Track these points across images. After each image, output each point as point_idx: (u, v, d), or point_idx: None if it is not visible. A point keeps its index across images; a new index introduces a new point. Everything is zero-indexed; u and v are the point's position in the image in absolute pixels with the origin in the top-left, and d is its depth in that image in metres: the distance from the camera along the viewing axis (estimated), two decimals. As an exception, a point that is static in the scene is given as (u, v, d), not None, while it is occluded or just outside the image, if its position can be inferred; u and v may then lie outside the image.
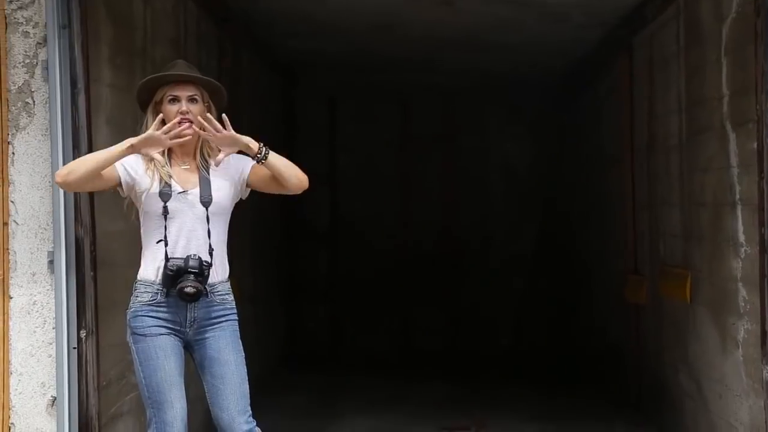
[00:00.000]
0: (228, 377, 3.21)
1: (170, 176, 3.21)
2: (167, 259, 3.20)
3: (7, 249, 3.72)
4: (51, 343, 3.70)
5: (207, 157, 3.28)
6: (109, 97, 4.10)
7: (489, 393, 7.07)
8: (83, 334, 3.68)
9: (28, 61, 3.71)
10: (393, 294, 9.12)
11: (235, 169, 3.30)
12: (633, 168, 6.32)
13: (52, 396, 3.70)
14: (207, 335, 3.24)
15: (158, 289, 3.22)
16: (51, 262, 3.69)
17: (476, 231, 9.21)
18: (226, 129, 3.19)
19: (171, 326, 3.22)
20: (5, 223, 3.74)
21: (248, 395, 3.24)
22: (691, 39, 4.96)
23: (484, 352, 8.77)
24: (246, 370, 3.28)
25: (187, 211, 3.22)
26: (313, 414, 6.06)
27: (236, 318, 3.32)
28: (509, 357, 8.68)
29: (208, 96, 3.31)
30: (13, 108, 3.72)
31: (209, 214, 3.22)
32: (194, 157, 3.28)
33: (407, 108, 9.24)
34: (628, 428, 5.72)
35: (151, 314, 3.22)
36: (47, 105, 3.68)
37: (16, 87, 3.71)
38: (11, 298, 3.72)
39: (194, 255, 3.17)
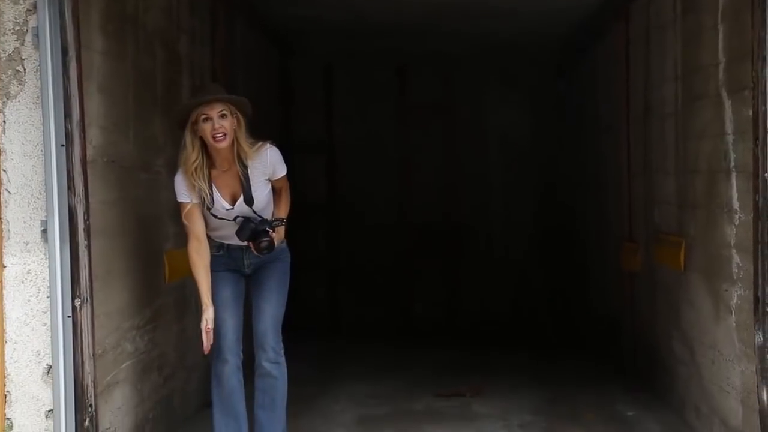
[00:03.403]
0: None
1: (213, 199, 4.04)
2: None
3: (0, 218, 3.72)
4: (45, 312, 3.71)
5: (244, 162, 3.99)
6: (100, 64, 4.08)
7: (486, 361, 7.11)
8: (78, 302, 3.69)
9: (18, 28, 3.68)
10: (391, 264, 9.13)
11: (272, 168, 4.07)
12: (629, 136, 6.31)
13: (47, 364, 3.71)
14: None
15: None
16: (44, 231, 3.69)
17: (475, 200, 9.21)
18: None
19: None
20: (-2, 192, 3.73)
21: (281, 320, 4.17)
22: (687, 5, 4.93)
23: (483, 322, 8.81)
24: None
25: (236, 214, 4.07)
26: (312, 381, 6.11)
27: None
28: (507, 326, 8.72)
29: (235, 108, 3.98)
30: (4, 76, 3.69)
31: (254, 209, 4.04)
32: (233, 161, 3.99)
33: (405, 77, 9.19)
34: (622, 394, 5.76)
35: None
36: (38, 73, 3.66)
37: (6, 54, 3.68)
38: (5, 267, 3.72)
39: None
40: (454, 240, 9.18)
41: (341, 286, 9.18)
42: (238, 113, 3.99)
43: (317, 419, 5.26)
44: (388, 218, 9.13)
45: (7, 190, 3.71)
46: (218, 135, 3.91)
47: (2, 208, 3.70)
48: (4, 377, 3.72)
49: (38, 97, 3.67)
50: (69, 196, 3.67)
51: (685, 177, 5.01)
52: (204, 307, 4.01)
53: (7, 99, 3.70)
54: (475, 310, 9.04)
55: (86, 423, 3.71)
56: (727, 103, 4.28)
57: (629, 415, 5.26)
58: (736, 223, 4.18)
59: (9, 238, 3.71)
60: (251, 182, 4.03)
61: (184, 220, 4.05)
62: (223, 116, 3.92)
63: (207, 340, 3.96)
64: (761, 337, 3.75)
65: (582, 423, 5.12)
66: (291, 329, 4.31)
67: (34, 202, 3.72)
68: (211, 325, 3.98)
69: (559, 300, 8.93)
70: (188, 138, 3.98)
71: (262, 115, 5.46)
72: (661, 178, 5.52)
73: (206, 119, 3.92)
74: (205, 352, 4.01)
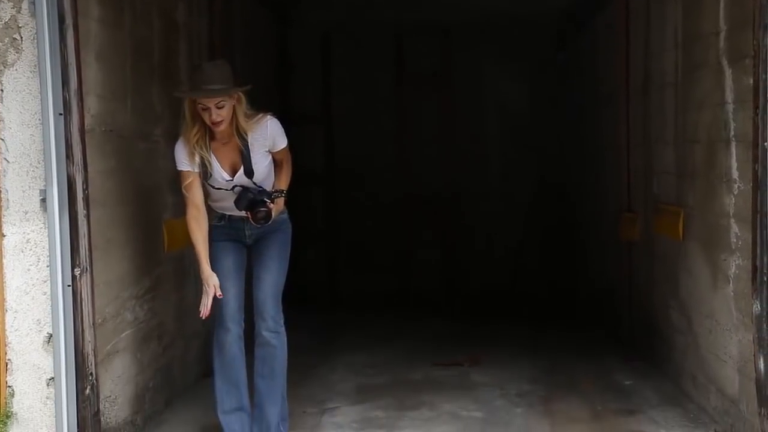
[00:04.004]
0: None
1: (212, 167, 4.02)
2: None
3: (-1, 187, 3.71)
4: (45, 281, 3.71)
5: (244, 135, 3.99)
6: (98, 32, 4.05)
7: (484, 331, 7.15)
8: (77, 271, 3.69)
9: (14, -5, 3.65)
10: (389, 235, 9.14)
11: (272, 140, 4.06)
12: (628, 106, 6.29)
13: (47, 333, 3.73)
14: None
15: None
16: (43, 201, 3.69)
17: (473, 170, 9.20)
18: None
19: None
20: (-4, 161, 3.72)
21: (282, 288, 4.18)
22: (688, -27, 4.89)
23: (481, 292, 8.84)
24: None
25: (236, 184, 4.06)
26: (311, 350, 6.14)
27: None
28: (505, 296, 8.76)
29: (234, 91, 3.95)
30: (1, 44, 3.67)
31: (254, 180, 4.04)
32: (233, 134, 3.99)
33: (402, 47, 9.14)
34: (619, 364, 5.80)
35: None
36: (35, 41, 3.63)
37: (3, 22, 3.65)
38: (4, 236, 3.72)
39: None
40: (452, 211, 9.19)
41: (339, 258, 9.20)
42: (239, 92, 3.97)
43: (317, 388, 5.29)
44: (386, 189, 9.12)
45: (5, 159, 3.70)
46: (216, 122, 3.93)
47: (1, 177, 3.69)
48: (5, 345, 3.74)
49: (36, 65, 3.65)
50: (68, 165, 3.66)
51: (684, 147, 5.00)
52: (204, 274, 4.02)
53: (4, 67, 3.68)
54: (473, 282, 9.06)
55: (87, 391, 3.73)
56: (728, 72, 4.27)
57: (626, 384, 5.30)
58: (735, 192, 4.18)
59: (8, 207, 3.70)
60: (251, 154, 4.03)
61: (183, 189, 4.04)
62: (221, 106, 3.91)
63: (209, 305, 3.97)
64: (759, 306, 3.77)
65: (579, 392, 5.16)
66: (289, 300, 4.33)
67: (33, 171, 3.71)
68: (219, 292, 4.00)
69: (556, 270, 8.95)
70: (188, 113, 3.98)
71: (260, 86, 5.44)
72: (660, 149, 5.51)
73: (204, 109, 3.92)
74: (204, 317, 4.01)
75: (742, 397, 4.12)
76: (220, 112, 3.91)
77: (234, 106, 3.96)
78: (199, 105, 3.92)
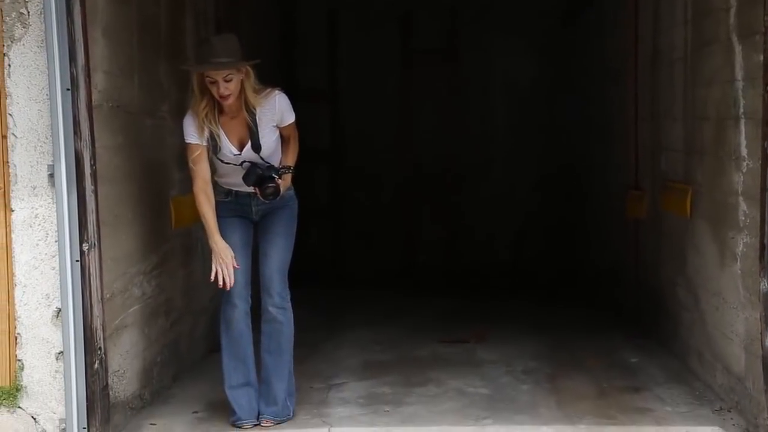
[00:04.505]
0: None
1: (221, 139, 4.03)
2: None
3: (7, 162, 3.72)
4: (54, 256, 3.73)
5: (252, 109, 4.00)
6: (104, 7, 4.03)
7: (489, 307, 7.16)
8: (85, 247, 3.70)
9: (20, -31, 3.64)
10: (395, 211, 9.14)
11: (280, 114, 4.07)
12: (636, 82, 6.25)
13: (56, 307, 3.75)
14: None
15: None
16: (51, 176, 3.70)
17: (479, 148, 9.17)
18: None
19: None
20: (4, 137, 3.72)
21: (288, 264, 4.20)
22: (699, -52, 4.85)
23: (486, 269, 8.85)
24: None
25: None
26: (317, 326, 6.16)
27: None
28: (511, 273, 8.76)
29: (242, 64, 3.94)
30: (8, 19, 3.66)
31: (261, 155, 4.05)
32: (241, 108, 4.00)
33: (409, 22, 9.09)
34: (625, 341, 5.81)
35: None
36: (42, 15, 3.62)
37: (10, -3, 3.64)
38: (13, 211, 3.73)
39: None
40: (458, 188, 9.18)
41: (344, 234, 9.21)
42: (247, 66, 3.97)
43: (323, 364, 5.31)
44: (391, 165, 9.10)
45: (13, 134, 3.71)
46: (224, 95, 3.93)
47: (9, 152, 3.70)
48: (15, 320, 3.76)
49: (43, 40, 3.64)
50: (75, 141, 3.66)
51: (693, 123, 4.98)
52: (219, 245, 4.02)
53: (12, 42, 3.67)
54: (478, 258, 9.07)
55: (96, 365, 3.76)
56: (738, 48, 4.24)
57: (632, 362, 5.31)
58: (744, 170, 4.17)
59: (16, 183, 3.71)
60: (259, 129, 4.03)
61: (191, 162, 4.04)
62: (229, 80, 3.91)
63: (232, 276, 4.01)
64: (766, 284, 3.77)
65: (585, 369, 5.17)
66: (294, 277, 4.34)
67: (41, 146, 3.71)
68: (236, 263, 4.02)
69: (562, 248, 8.95)
70: (196, 87, 4.00)
71: (266, 62, 5.42)
72: (668, 125, 5.49)
73: (212, 82, 3.92)
74: (229, 287, 4.03)
75: (748, 374, 4.13)
76: (228, 85, 3.91)
77: (242, 81, 3.96)
78: (207, 78, 3.92)
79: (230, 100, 3.96)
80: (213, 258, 4.05)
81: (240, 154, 4.06)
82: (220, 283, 4.03)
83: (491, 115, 9.17)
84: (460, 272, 8.82)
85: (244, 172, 4.06)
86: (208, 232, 4.06)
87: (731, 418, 4.22)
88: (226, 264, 4.01)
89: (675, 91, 5.32)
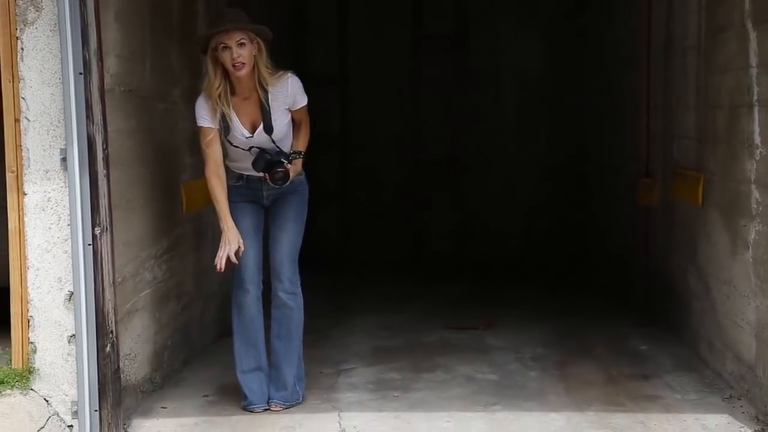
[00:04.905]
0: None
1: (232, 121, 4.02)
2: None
3: (20, 146, 3.73)
4: (66, 240, 3.74)
5: (265, 87, 4.00)
6: (117, -9, 4.03)
7: (498, 294, 7.16)
8: (98, 231, 3.72)
9: (33, -47, 3.63)
10: (403, 197, 9.13)
11: (292, 97, 4.08)
12: (648, 70, 6.22)
13: (69, 291, 3.76)
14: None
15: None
16: (64, 160, 3.70)
17: (488, 135, 9.14)
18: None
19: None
20: (17, 120, 3.73)
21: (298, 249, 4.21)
22: (714, -66, 4.81)
23: (495, 256, 8.84)
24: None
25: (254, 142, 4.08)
26: (326, 312, 6.18)
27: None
28: (519, 260, 8.76)
29: (255, 35, 3.96)
30: (21, 2, 3.66)
31: (273, 138, 4.05)
32: (254, 88, 4.00)
33: (419, 6, 9.05)
34: (634, 329, 5.81)
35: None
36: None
37: (23, -20, 3.64)
38: (26, 194, 3.75)
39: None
40: (467, 174, 9.16)
41: (353, 221, 9.21)
42: (258, 39, 3.97)
43: (332, 349, 5.33)
44: (400, 151, 9.08)
45: (26, 117, 3.71)
46: (237, 63, 3.91)
47: (22, 135, 3.71)
48: (28, 303, 3.78)
49: (55, 24, 3.64)
50: (88, 125, 3.67)
51: (706, 111, 4.96)
52: (226, 227, 4.02)
53: (25, 26, 3.67)
54: (486, 245, 9.06)
55: (107, 348, 3.78)
56: (752, 35, 4.21)
57: (641, 349, 5.31)
58: (757, 158, 4.15)
59: (29, 166, 3.72)
60: (271, 110, 4.02)
61: (203, 146, 4.04)
62: (242, 45, 3.92)
63: (224, 258, 3.99)
64: (778, 272, 3.76)
65: (594, 356, 5.18)
66: (304, 263, 4.34)
67: (53, 130, 3.72)
68: (242, 248, 4.02)
69: (571, 235, 8.94)
70: (210, 65, 3.99)
71: (277, 46, 5.41)
72: (681, 113, 5.46)
73: (225, 48, 3.93)
74: (221, 270, 4.01)
75: (758, 362, 4.13)
76: (242, 51, 3.90)
77: (255, 57, 3.95)
78: (221, 45, 3.91)
79: (244, 70, 3.93)
80: (221, 240, 4.05)
81: (252, 137, 4.06)
82: (222, 266, 3.99)
83: (501, 100, 9.13)
84: (468, 259, 8.82)
85: (253, 157, 4.06)
86: (220, 214, 4.06)
87: (741, 406, 4.22)
88: (231, 246, 4.01)
89: (688, 79, 5.29)
